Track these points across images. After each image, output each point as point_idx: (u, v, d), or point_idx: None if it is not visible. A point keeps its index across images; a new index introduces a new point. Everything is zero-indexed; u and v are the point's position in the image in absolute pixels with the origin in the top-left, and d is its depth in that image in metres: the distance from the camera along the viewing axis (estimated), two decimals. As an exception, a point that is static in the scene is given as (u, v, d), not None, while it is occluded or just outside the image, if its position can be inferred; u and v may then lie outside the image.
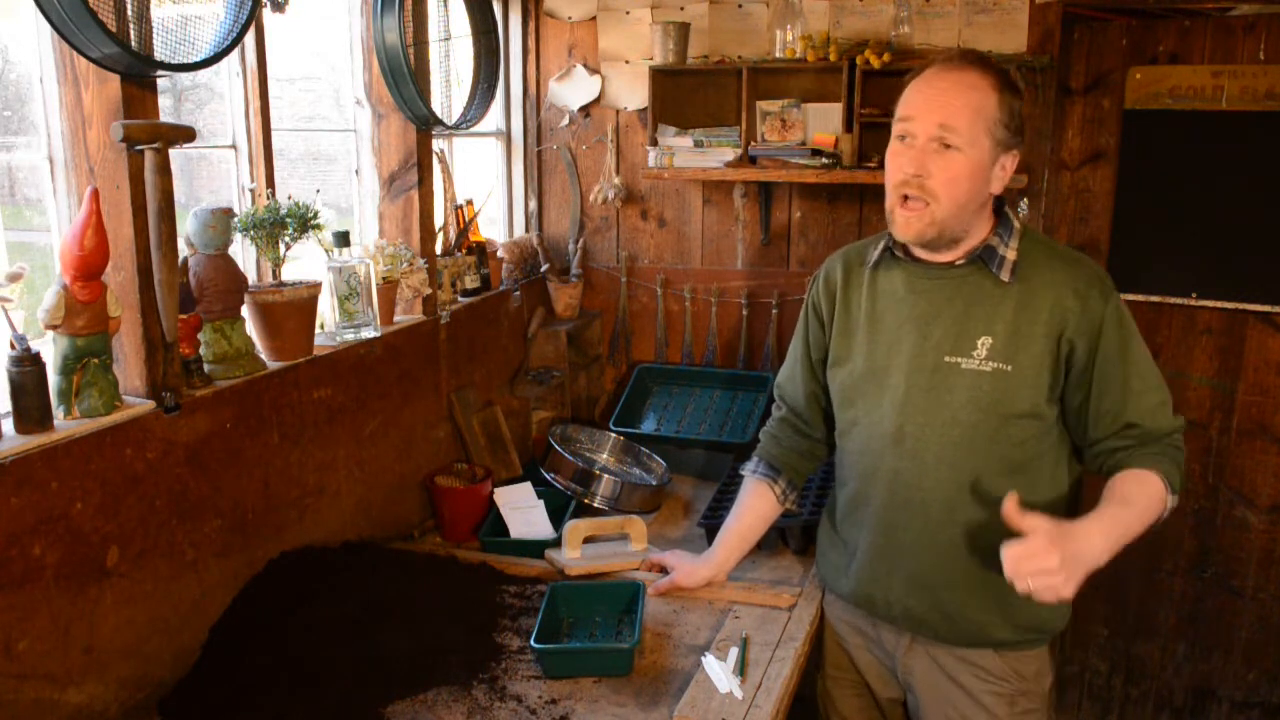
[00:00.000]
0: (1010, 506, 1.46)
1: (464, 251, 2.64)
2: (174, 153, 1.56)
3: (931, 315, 1.69)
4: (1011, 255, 1.65)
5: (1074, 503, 1.74)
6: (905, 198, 1.62)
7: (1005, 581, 1.63)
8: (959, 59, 1.63)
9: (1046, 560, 1.40)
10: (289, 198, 1.93)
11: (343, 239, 2.06)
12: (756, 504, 1.99)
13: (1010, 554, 1.43)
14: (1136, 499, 1.57)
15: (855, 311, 1.80)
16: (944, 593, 1.71)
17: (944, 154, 1.58)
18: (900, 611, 1.76)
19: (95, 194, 1.49)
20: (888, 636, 1.83)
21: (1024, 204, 2.70)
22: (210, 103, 2.04)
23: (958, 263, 1.68)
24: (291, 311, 1.91)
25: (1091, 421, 1.66)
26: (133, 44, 1.46)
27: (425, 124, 2.34)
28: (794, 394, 1.97)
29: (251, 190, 2.02)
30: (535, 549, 2.18)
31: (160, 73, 1.54)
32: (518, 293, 2.86)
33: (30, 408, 1.44)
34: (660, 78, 2.79)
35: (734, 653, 1.74)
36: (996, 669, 1.73)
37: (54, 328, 1.50)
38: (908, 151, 1.60)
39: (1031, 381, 1.63)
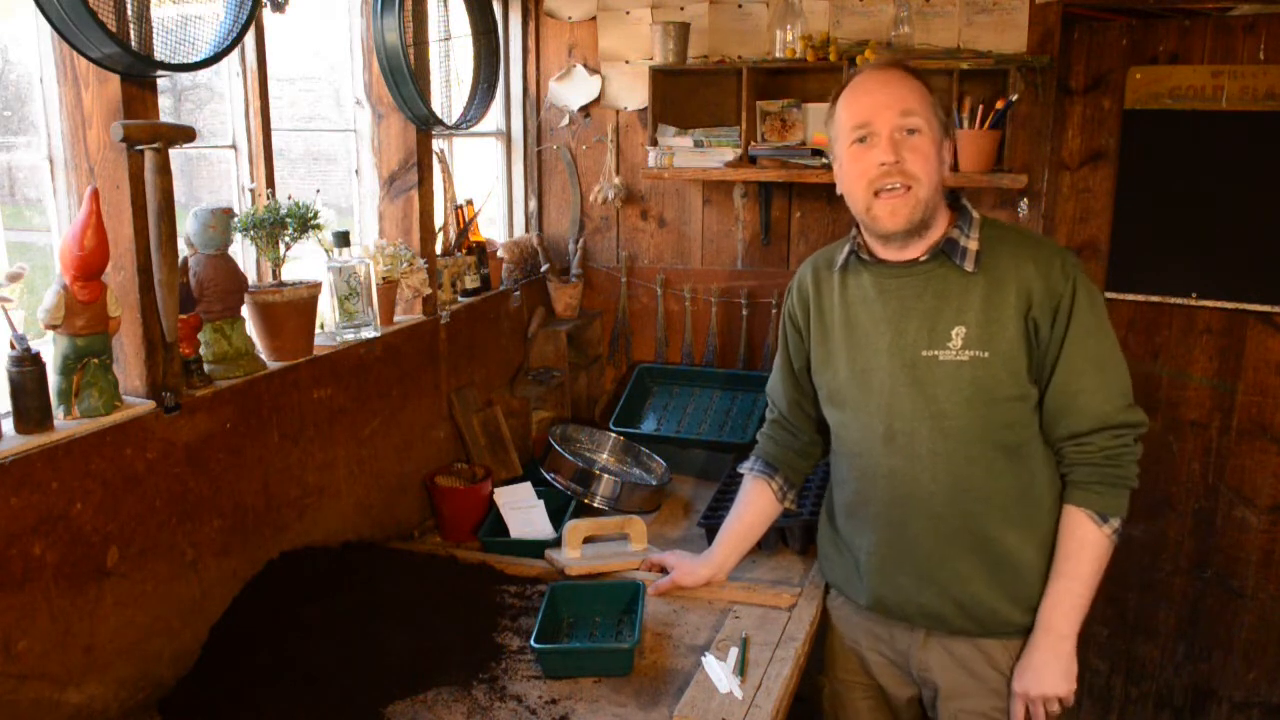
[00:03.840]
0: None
1: (464, 251, 2.63)
2: (174, 153, 1.56)
3: (902, 313, 1.71)
4: (973, 245, 1.68)
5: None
6: (877, 193, 1.64)
7: (1012, 564, 1.71)
8: (883, 63, 1.71)
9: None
10: (289, 198, 1.93)
11: (343, 239, 2.06)
12: (756, 502, 2.00)
13: None
14: (1079, 572, 1.67)
15: (829, 316, 1.83)
16: (955, 584, 1.72)
17: (910, 139, 1.63)
18: (915, 609, 1.77)
19: (95, 194, 1.49)
20: (900, 634, 1.83)
21: (1024, 204, 2.70)
22: (210, 103, 2.04)
23: (921, 259, 1.70)
24: (291, 311, 1.91)
25: (1043, 410, 1.69)
26: (133, 44, 1.46)
27: (425, 124, 2.34)
28: (779, 400, 2.00)
29: (251, 190, 2.02)
30: (535, 549, 2.18)
31: (160, 73, 1.54)
32: (518, 293, 2.86)
33: (30, 408, 1.44)
34: (660, 78, 2.79)
35: (734, 653, 1.74)
36: (1011, 661, 1.74)
37: (54, 328, 1.50)
38: (874, 147, 1.64)
39: (1011, 365, 1.65)
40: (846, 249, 1.80)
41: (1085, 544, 1.66)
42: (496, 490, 2.35)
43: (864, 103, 1.65)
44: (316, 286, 1.97)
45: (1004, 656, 1.74)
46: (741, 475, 2.07)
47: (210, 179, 2.07)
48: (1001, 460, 1.68)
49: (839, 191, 1.76)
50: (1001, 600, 1.71)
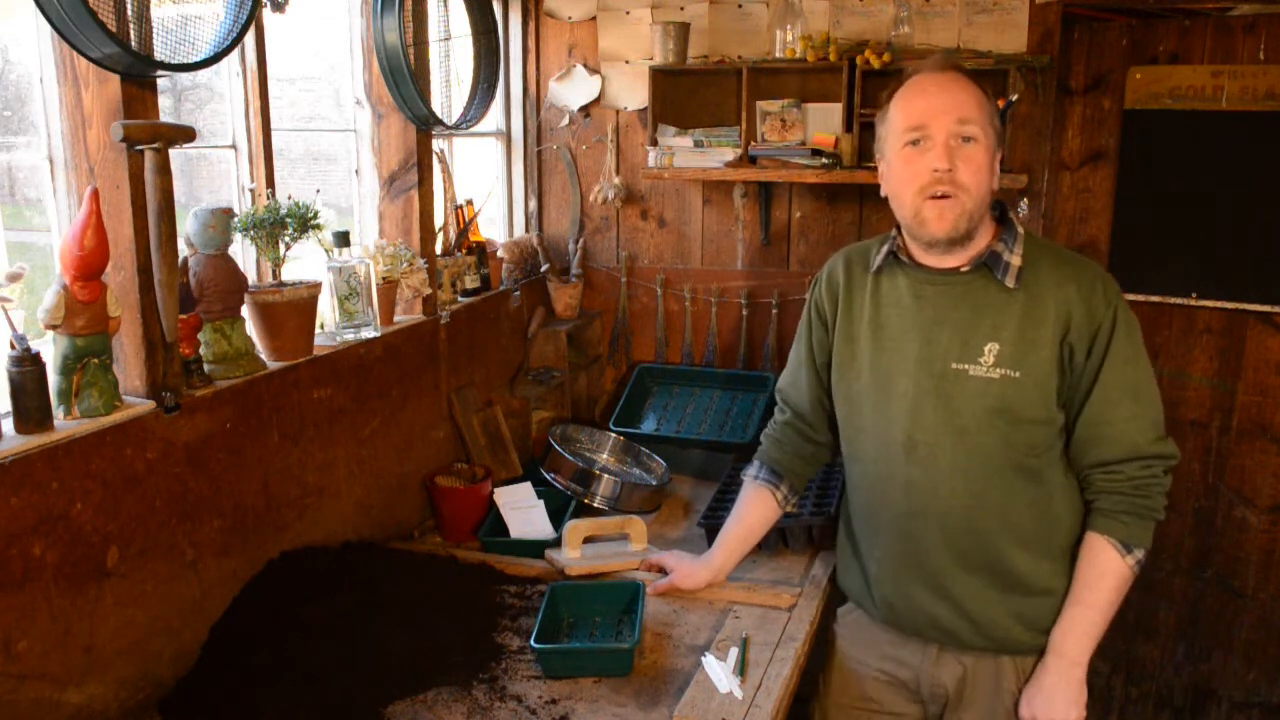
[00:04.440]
0: None
1: (464, 251, 2.63)
2: (174, 153, 1.56)
3: (936, 321, 1.68)
4: (1016, 261, 1.65)
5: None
6: (931, 197, 1.60)
7: (1024, 586, 1.69)
8: (943, 64, 1.66)
9: None
10: (289, 198, 1.93)
11: (343, 239, 2.06)
12: (757, 508, 1.98)
13: None
14: (1096, 600, 1.65)
15: (858, 315, 1.79)
16: (967, 599, 1.71)
17: (965, 147, 1.59)
18: (926, 620, 1.75)
19: (95, 194, 1.49)
20: (913, 651, 1.80)
21: (1024, 204, 2.70)
22: (210, 103, 2.04)
23: (962, 269, 1.67)
24: (291, 311, 1.91)
25: (1073, 437, 1.66)
26: (133, 44, 1.46)
27: (425, 124, 2.34)
28: (798, 398, 1.95)
29: (251, 190, 2.02)
30: (535, 549, 2.18)
31: (160, 73, 1.54)
32: (518, 293, 2.86)
33: (30, 408, 1.44)
34: (660, 78, 2.79)
35: (734, 653, 1.74)
36: (1021, 683, 1.72)
37: (54, 328, 1.50)
38: (928, 152, 1.59)
39: (1041, 387, 1.62)
40: (885, 249, 1.75)
41: (1106, 573, 1.64)
42: (496, 490, 2.35)
43: (920, 105, 1.61)
44: (316, 286, 1.97)
45: (1015, 676, 1.73)
46: (742, 478, 2.03)
47: (210, 179, 2.07)
48: (1020, 481, 1.66)
49: (883, 193, 1.72)
50: (1012, 620, 1.70)
